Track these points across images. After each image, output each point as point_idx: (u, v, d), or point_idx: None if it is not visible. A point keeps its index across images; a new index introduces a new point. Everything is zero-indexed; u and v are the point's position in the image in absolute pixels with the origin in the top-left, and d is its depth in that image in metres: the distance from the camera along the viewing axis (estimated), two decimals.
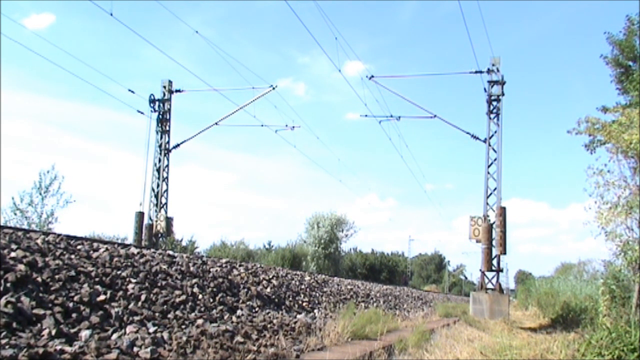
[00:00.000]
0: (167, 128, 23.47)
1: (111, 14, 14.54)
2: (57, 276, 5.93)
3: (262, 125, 23.23)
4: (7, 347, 4.10)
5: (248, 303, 9.02)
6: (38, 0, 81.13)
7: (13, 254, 6.02)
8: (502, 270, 19.86)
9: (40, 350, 4.14)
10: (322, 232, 41.48)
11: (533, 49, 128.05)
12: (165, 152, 23.36)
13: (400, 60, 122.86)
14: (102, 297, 5.98)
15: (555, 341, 9.16)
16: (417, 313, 16.40)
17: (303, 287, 13.25)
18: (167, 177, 23.42)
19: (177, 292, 7.57)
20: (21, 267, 5.68)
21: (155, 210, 22.96)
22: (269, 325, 7.41)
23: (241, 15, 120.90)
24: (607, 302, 11.21)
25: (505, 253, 18.31)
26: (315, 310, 11.01)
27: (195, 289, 8.13)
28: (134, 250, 9.15)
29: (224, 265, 11.29)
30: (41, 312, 5.00)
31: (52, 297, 5.44)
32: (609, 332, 7.21)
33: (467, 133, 20.30)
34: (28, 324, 4.79)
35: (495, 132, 19.40)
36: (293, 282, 13.18)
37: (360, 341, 7.65)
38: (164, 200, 23.14)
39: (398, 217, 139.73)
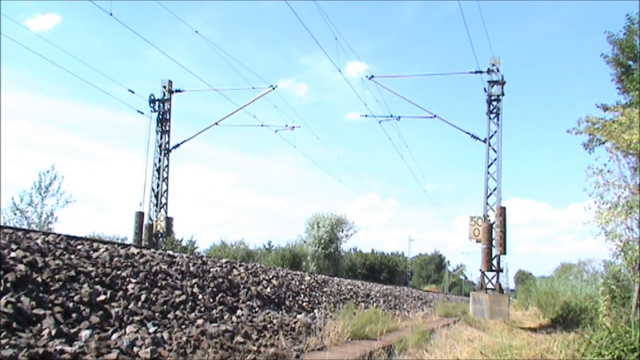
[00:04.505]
0: (167, 128, 23.47)
1: (111, 14, 14.55)
2: (57, 276, 5.93)
3: (262, 125, 23.24)
4: (7, 347, 4.10)
5: (248, 303, 9.02)
6: (42, 1, 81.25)
7: (13, 254, 6.02)
8: (502, 270, 19.85)
9: (40, 350, 4.14)
10: (322, 232, 41.45)
11: (533, 49, 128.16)
12: (165, 152, 23.35)
13: (402, 60, 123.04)
14: (102, 297, 5.98)
15: (555, 341, 9.14)
16: (417, 313, 16.40)
17: (303, 287, 13.24)
18: (167, 177, 23.43)
19: (177, 292, 7.57)
20: (21, 267, 5.68)
21: (155, 210, 22.95)
22: (269, 325, 7.40)
23: (243, 16, 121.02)
24: (607, 302, 11.21)
25: (505, 253, 18.30)
26: (315, 310, 11.01)
27: (195, 289, 8.13)
28: (134, 250, 9.14)
29: (224, 265, 11.29)
30: (41, 312, 5.00)
31: (52, 297, 5.44)
32: (609, 332, 7.20)
33: (467, 133, 20.31)
34: (28, 324, 4.79)
35: (495, 132, 19.40)
36: (293, 282, 13.17)
37: (360, 341, 7.65)
38: (164, 200, 23.14)
39: (398, 217, 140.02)
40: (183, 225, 72.68)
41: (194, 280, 8.49)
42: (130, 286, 6.80)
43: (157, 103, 23.11)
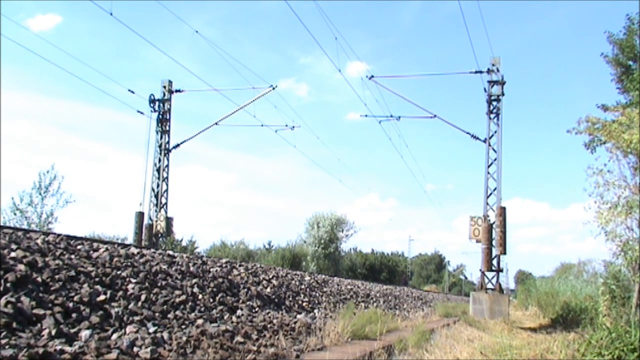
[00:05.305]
0: (167, 128, 23.48)
1: (111, 14, 14.57)
2: (57, 276, 5.93)
3: (262, 125, 23.26)
4: (7, 347, 4.10)
5: (248, 303, 9.02)
6: (43, 1, 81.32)
7: (13, 254, 6.02)
8: (502, 270, 19.85)
9: (40, 350, 4.14)
10: (322, 232, 41.47)
11: (533, 49, 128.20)
12: (165, 152, 23.36)
13: (402, 60, 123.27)
14: (102, 297, 5.98)
15: (555, 341, 9.14)
16: (417, 313, 16.40)
17: (303, 287, 13.24)
18: (167, 177, 23.43)
19: (177, 292, 7.57)
20: (21, 267, 5.68)
21: (155, 210, 22.95)
22: (269, 325, 7.40)
23: (243, 16, 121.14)
24: (607, 302, 11.22)
25: (505, 253, 18.31)
26: (315, 310, 11.01)
27: (195, 289, 8.13)
28: (134, 250, 9.14)
29: (224, 265, 11.29)
30: (41, 312, 5.00)
31: (52, 297, 5.44)
32: (609, 332, 7.20)
33: (467, 133, 20.32)
34: (28, 324, 4.79)
35: (495, 132, 19.41)
36: (293, 282, 13.17)
37: (360, 341, 7.65)
38: (164, 200, 23.14)
39: (398, 217, 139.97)
40: (183, 225, 72.76)
41: (194, 280, 8.49)
42: (130, 286, 6.80)
43: (157, 103, 23.12)
